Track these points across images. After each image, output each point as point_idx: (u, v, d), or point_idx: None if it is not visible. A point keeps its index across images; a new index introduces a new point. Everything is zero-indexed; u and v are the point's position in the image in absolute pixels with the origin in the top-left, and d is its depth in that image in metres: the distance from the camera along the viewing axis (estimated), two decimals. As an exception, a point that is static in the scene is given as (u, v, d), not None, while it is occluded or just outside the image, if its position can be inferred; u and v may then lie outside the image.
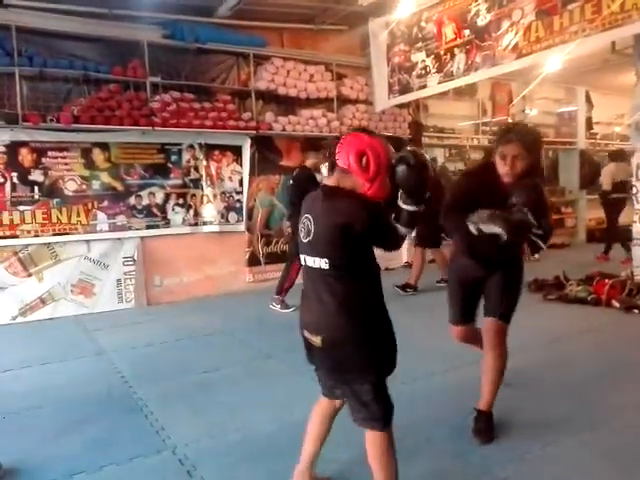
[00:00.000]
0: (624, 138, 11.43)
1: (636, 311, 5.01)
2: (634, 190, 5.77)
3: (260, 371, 3.87)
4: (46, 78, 5.73)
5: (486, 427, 2.71)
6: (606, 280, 5.43)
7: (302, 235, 1.96)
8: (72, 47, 5.96)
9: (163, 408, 3.22)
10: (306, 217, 1.95)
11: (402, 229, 1.97)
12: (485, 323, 2.81)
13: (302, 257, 2.00)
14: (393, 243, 2.01)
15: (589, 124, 11.25)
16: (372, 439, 1.97)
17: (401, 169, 1.89)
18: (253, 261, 7.16)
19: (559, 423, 2.79)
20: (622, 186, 8.19)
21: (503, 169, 2.58)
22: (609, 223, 8.76)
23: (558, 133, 11.08)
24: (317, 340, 1.95)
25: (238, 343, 4.66)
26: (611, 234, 8.53)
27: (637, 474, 2.33)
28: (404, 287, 6.32)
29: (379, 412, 1.95)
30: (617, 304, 5.17)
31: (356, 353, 1.92)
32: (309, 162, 5.75)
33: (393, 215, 1.98)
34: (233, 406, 3.22)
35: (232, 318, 5.60)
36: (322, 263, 1.88)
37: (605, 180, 8.58)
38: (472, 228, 2.43)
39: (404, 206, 1.95)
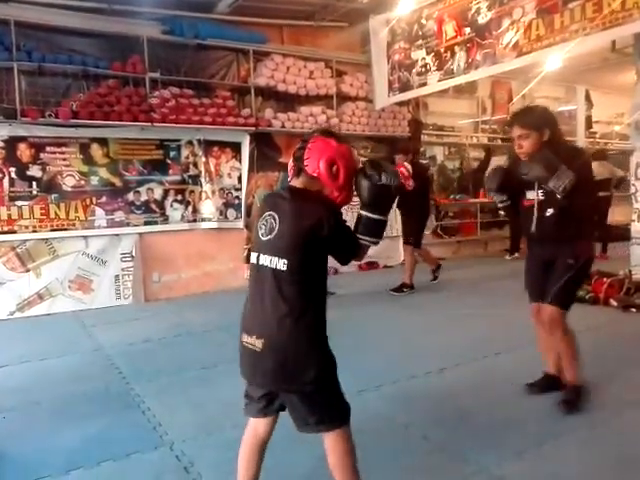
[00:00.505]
0: (623, 137, 11.44)
1: (634, 310, 5.02)
2: (632, 189, 5.77)
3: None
4: (45, 73, 5.73)
5: (571, 398, 2.90)
6: (604, 279, 5.42)
7: (261, 232, 1.89)
8: (71, 42, 5.95)
9: (161, 404, 3.22)
10: (270, 215, 1.88)
11: (366, 239, 1.93)
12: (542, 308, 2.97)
13: (254, 255, 1.92)
14: (352, 252, 1.96)
15: (589, 123, 11.24)
16: (332, 441, 1.88)
17: (367, 184, 1.88)
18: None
19: (556, 421, 2.79)
20: (606, 184, 8.38)
21: (517, 150, 2.89)
22: (599, 221, 8.85)
23: (558, 132, 11.06)
24: (258, 344, 1.84)
25: (235, 340, 4.63)
26: (604, 231, 8.65)
27: (635, 473, 2.33)
28: (400, 288, 6.24)
29: (333, 411, 1.88)
30: (615, 303, 5.17)
31: (304, 356, 1.83)
32: None
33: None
34: (231, 402, 3.20)
35: (230, 314, 5.53)
36: (280, 264, 1.81)
37: None
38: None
39: (371, 215, 1.92)
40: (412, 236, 6.35)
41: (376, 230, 1.95)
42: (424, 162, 9.13)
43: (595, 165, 8.64)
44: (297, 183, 1.92)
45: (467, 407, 3.00)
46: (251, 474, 2.02)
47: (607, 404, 2.99)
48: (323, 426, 1.86)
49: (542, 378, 3.17)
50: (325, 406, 1.86)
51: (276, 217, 1.85)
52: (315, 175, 1.86)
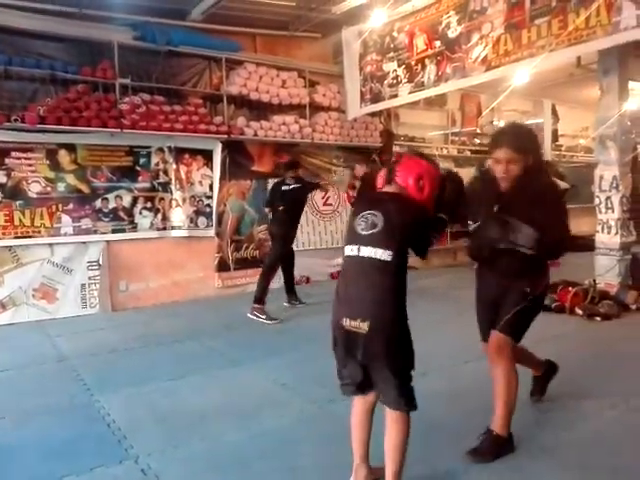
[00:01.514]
0: (588, 150, 11.77)
1: (598, 318, 5.14)
2: (597, 201, 5.93)
3: (227, 379, 3.81)
4: (11, 77, 5.60)
5: (486, 449, 2.55)
6: (569, 288, 5.55)
7: (361, 228, 2.15)
8: (40, 46, 5.84)
9: (126, 416, 3.15)
10: (370, 213, 2.16)
11: (436, 235, 2.31)
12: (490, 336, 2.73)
13: (353, 248, 2.17)
14: (426, 250, 2.28)
15: (555, 136, 11.54)
16: (400, 422, 2.15)
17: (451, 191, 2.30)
18: (222, 266, 7.09)
19: (523, 429, 2.82)
20: None
21: (499, 173, 2.58)
22: None
23: (525, 145, 11.32)
24: (364, 326, 2.06)
25: (205, 350, 4.59)
26: None
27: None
28: None
29: (412, 394, 2.15)
30: (580, 311, 5.29)
31: (399, 338, 2.13)
32: (300, 172, 6.12)
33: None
34: (198, 414, 3.16)
35: (199, 324, 5.52)
36: (381, 254, 2.08)
37: None
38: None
39: (445, 217, 2.32)
40: None
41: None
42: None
43: None
44: (390, 189, 2.27)
45: (436, 415, 3.01)
46: (365, 437, 2.28)
47: (573, 412, 3.04)
48: (404, 405, 2.13)
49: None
50: (408, 388, 2.15)
51: (378, 215, 2.14)
52: (404, 186, 2.21)
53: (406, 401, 2.13)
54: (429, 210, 2.26)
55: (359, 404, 2.30)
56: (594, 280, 5.71)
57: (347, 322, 2.12)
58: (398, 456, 2.14)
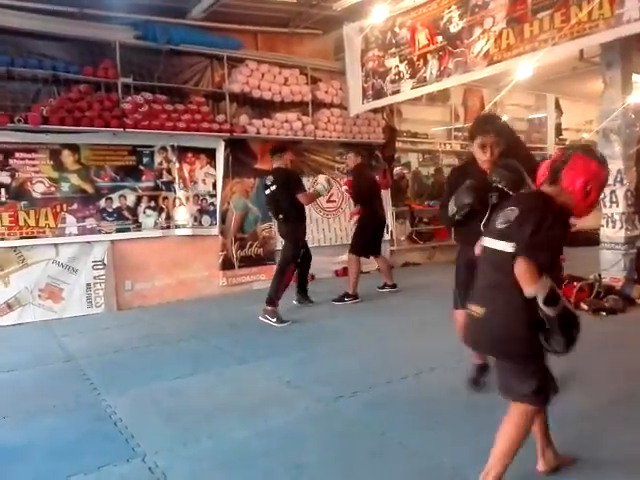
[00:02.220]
0: (592, 144, 11.69)
1: (604, 313, 5.13)
2: (601, 195, 5.90)
3: (233, 377, 3.82)
4: (14, 77, 5.61)
5: None
6: (575, 283, 5.53)
7: (499, 222, 2.15)
8: (42, 46, 5.85)
9: (133, 415, 3.16)
10: (511, 209, 2.12)
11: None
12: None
13: (486, 240, 2.23)
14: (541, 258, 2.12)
15: (558, 130, 11.51)
16: (515, 412, 2.13)
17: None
18: (227, 265, 7.10)
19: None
20: None
21: (484, 157, 2.93)
22: None
23: (529, 139, 11.28)
24: (479, 311, 2.14)
25: (211, 348, 4.60)
26: None
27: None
28: (342, 298, 6.13)
29: (529, 388, 2.10)
30: (585, 306, 5.27)
31: (517, 330, 2.07)
32: (287, 159, 5.68)
33: None
34: (205, 413, 3.17)
35: (205, 323, 5.54)
36: (508, 247, 2.06)
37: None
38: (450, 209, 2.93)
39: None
40: (370, 246, 6.39)
41: None
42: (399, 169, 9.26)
43: None
44: (547, 189, 2.16)
45: (442, 411, 3.01)
46: (538, 430, 2.31)
47: (574, 406, 3.03)
48: (515, 396, 2.13)
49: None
50: (524, 379, 2.11)
51: (516, 210, 2.10)
52: (569, 189, 2.08)
53: (524, 395, 2.12)
54: (585, 213, 2.19)
55: None
56: (599, 275, 5.69)
57: (471, 306, 2.23)
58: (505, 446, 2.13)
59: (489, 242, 2.21)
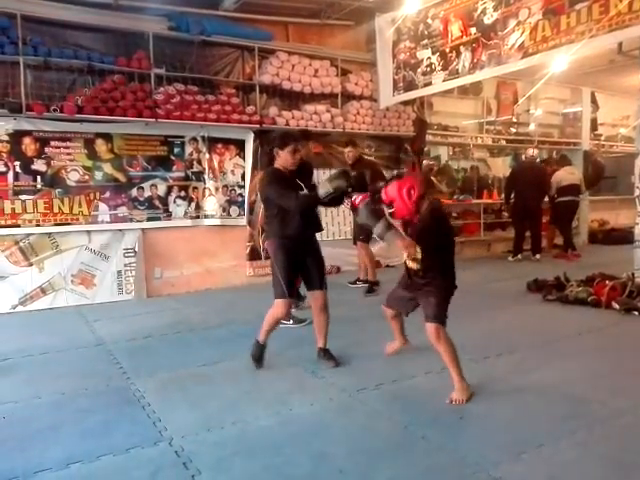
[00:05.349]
0: (628, 140, 11.40)
1: (636, 313, 4.99)
2: (637, 192, 5.76)
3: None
4: (50, 68, 5.73)
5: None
6: (607, 281, 5.41)
7: None
8: (77, 37, 5.96)
9: (161, 400, 3.23)
10: None
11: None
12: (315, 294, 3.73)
13: None
14: None
15: (594, 125, 11.22)
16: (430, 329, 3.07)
17: None
18: (254, 255, 7.15)
19: (555, 423, 2.78)
20: (569, 189, 8.66)
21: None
22: (560, 224, 9.03)
23: (562, 133, 11.05)
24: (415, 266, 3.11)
25: (237, 337, 4.65)
26: (564, 234, 8.97)
27: (634, 476, 2.33)
28: (371, 288, 6.10)
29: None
30: (617, 306, 5.15)
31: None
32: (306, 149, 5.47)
33: None
34: (231, 400, 3.22)
35: (231, 312, 5.60)
36: None
37: (551, 187, 8.85)
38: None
39: None
40: (361, 234, 6.17)
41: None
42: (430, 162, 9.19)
43: (559, 173, 9.00)
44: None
45: (466, 407, 3.00)
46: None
47: (607, 407, 2.98)
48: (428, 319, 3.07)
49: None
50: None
51: None
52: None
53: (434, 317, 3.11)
54: None
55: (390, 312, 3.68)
56: (632, 274, 5.55)
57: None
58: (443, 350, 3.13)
59: None
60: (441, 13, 6.27)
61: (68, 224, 5.94)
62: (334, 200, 3.44)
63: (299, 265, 3.65)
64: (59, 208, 5.88)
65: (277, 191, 3.50)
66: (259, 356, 3.72)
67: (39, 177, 5.78)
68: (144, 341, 4.58)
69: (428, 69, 6.55)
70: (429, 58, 6.51)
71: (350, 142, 6.32)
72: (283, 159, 3.64)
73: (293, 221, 3.54)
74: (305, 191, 3.59)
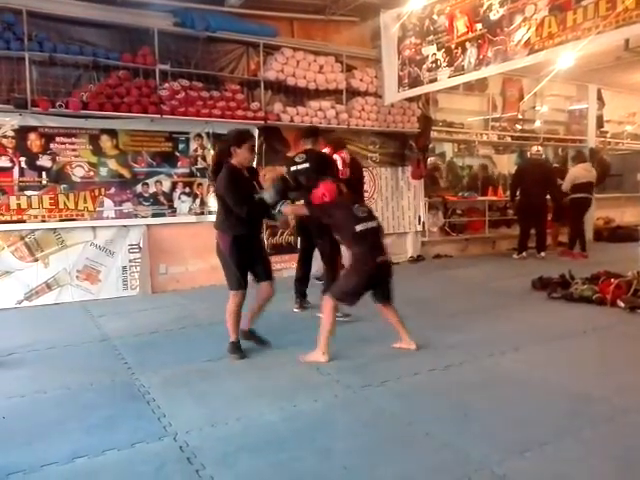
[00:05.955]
0: (635, 137, 11.35)
1: (641, 311, 4.99)
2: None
3: (263, 361, 3.88)
4: (56, 63, 5.74)
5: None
6: (612, 280, 5.39)
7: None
8: (82, 33, 5.96)
9: (165, 395, 3.24)
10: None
11: None
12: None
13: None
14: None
15: (600, 122, 11.15)
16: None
17: None
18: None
19: (559, 421, 2.78)
20: (584, 187, 8.59)
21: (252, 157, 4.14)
22: (571, 221, 8.97)
23: (568, 130, 11.00)
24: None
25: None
26: (574, 232, 8.88)
27: (639, 473, 2.33)
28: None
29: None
30: (622, 304, 5.14)
31: None
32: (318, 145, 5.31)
33: None
34: (235, 395, 3.23)
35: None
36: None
37: (566, 183, 8.80)
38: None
39: None
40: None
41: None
42: (432, 159, 9.17)
43: (574, 170, 8.96)
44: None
45: (471, 405, 3.00)
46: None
47: (612, 405, 2.98)
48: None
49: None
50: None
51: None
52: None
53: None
54: None
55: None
56: (638, 272, 5.53)
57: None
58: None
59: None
60: (447, 9, 6.25)
61: (73, 220, 5.96)
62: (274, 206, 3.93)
63: (249, 259, 3.94)
64: (64, 204, 5.90)
65: (232, 198, 3.78)
66: (235, 349, 3.95)
67: (44, 173, 5.80)
68: (149, 337, 4.59)
69: (433, 65, 6.53)
70: (434, 54, 6.49)
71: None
72: (241, 156, 3.86)
73: (247, 221, 3.86)
74: (258, 190, 4.02)
